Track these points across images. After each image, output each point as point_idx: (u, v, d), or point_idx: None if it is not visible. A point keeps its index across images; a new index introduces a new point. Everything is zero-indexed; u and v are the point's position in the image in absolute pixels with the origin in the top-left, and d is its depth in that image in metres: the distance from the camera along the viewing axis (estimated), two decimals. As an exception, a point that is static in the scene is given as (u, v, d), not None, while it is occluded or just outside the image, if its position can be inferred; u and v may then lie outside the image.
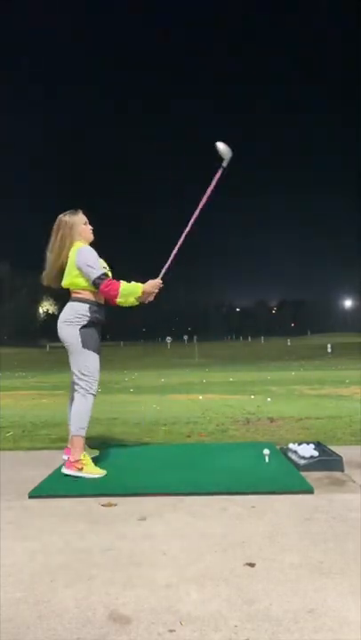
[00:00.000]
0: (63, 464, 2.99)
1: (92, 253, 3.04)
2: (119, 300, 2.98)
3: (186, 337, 48.30)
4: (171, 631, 1.41)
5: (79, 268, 2.99)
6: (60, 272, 3.10)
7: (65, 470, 2.91)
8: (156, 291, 3.11)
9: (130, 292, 2.99)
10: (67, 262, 3.05)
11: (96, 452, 3.31)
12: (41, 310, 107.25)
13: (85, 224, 3.18)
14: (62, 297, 3.19)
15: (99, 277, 2.94)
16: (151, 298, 3.12)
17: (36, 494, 2.64)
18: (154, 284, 3.09)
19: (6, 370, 20.42)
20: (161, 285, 3.11)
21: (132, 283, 3.01)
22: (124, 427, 4.67)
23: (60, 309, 3.09)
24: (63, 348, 3.05)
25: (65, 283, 3.08)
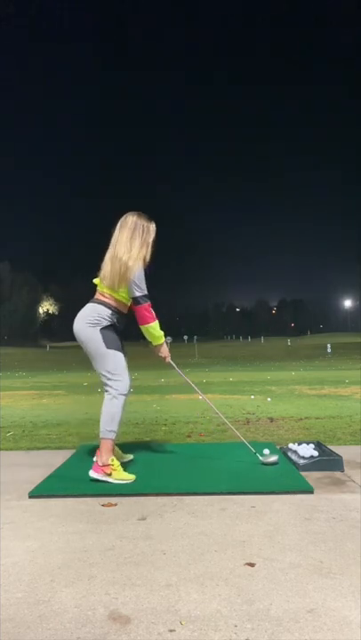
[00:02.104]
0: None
1: (143, 273, 2.96)
2: (150, 325, 2.98)
3: (186, 337, 48.26)
4: (171, 631, 1.41)
5: (128, 283, 2.91)
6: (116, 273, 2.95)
7: (92, 474, 2.83)
8: (160, 354, 3.14)
9: (158, 331, 3.02)
10: (119, 266, 2.94)
11: (130, 457, 3.27)
12: (41, 310, 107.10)
13: (153, 240, 3.09)
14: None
15: (145, 296, 2.94)
16: (159, 353, 3.14)
17: (36, 494, 2.64)
18: (164, 351, 3.12)
19: (6, 370, 20.41)
20: (164, 356, 3.15)
21: (162, 333, 3.06)
22: (124, 427, 4.65)
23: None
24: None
25: (105, 284, 2.98)
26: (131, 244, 2.97)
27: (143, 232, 3.02)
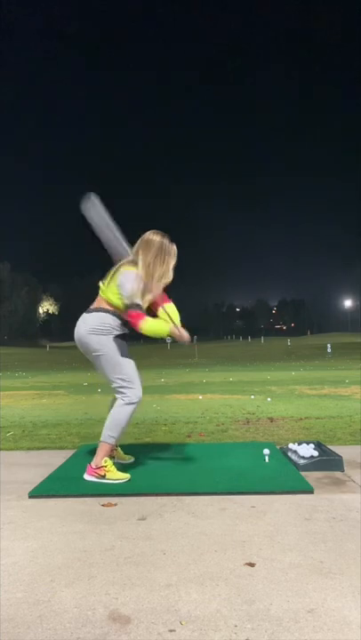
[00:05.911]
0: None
1: (136, 281, 2.87)
2: (144, 328, 2.86)
3: (186, 337, 48.16)
4: (171, 631, 1.41)
5: (119, 287, 2.85)
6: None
7: (86, 477, 2.85)
8: (180, 341, 3.05)
9: (155, 325, 2.91)
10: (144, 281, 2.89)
11: (131, 459, 3.26)
12: (41, 310, 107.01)
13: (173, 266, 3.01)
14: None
15: (134, 304, 2.87)
16: (178, 340, 3.04)
17: (36, 494, 2.64)
18: (181, 336, 3.01)
19: (6, 370, 20.39)
20: (184, 341, 3.04)
21: (160, 321, 2.96)
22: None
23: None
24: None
25: (105, 295, 2.94)
26: (153, 269, 2.90)
27: (166, 254, 2.93)
